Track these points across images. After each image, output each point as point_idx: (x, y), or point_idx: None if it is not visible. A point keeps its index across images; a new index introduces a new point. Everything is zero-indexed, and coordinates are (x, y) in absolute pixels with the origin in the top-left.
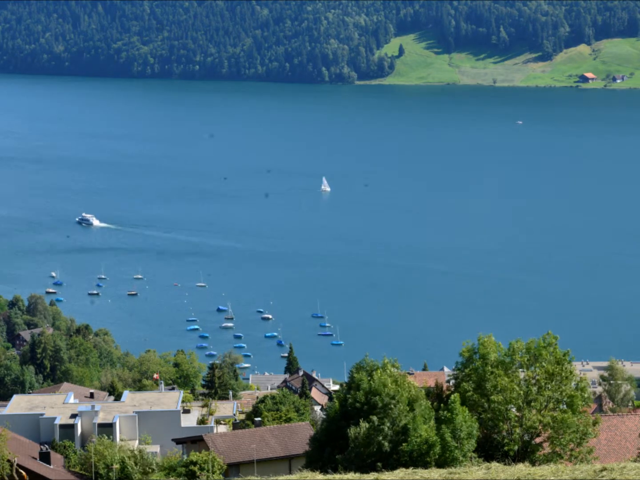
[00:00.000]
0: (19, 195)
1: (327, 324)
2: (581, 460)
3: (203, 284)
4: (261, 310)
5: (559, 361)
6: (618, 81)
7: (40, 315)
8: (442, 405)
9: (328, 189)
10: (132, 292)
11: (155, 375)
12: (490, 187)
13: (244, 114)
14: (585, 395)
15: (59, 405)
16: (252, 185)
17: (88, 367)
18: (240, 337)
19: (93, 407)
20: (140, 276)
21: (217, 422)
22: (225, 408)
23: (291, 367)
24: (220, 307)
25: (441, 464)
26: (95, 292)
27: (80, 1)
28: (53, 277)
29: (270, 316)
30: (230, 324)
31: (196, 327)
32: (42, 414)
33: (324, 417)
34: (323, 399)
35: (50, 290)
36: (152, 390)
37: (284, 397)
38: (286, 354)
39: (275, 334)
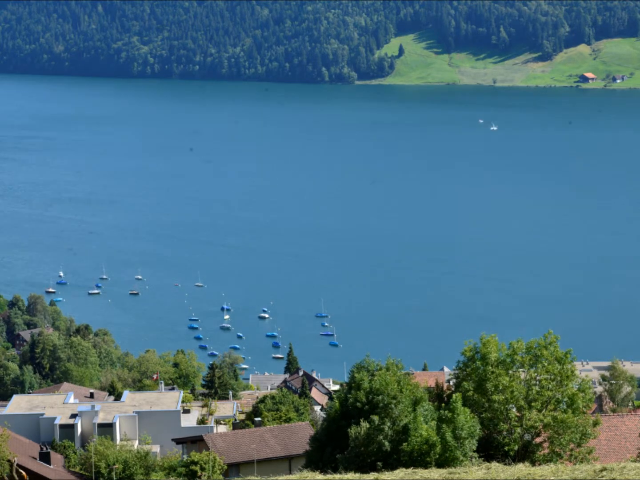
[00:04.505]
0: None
1: (327, 324)
2: (581, 460)
3: (201, 284)
4: (265, 309)
5: (560, 361)
6: (618, 81)
7: (40, 315)
8: (442, 405)
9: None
10: (134, 292)
11: (154, 376)
12: (492, 186)
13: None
14: (588, 398)
15: (59, 405)
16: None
17: (87, 367)
18: (240, 337)
19: (93, 407)
20: (140, 277)
21: (217, 422)
22: (225, 408)
23: (291, 367)
24: (224, 306)
25: (441, 463)
26: (95, 292)
27: (80, 1)
28: (60, 276)
29: (267, 315)
30: (228, 325)
31: (196, 326)
32: (42, 414)
33: (324, 417)
34: (323, 399)
35: (51, 290)
36: (152, 390)
37: (283, 397)
38: (282, 355)
39: (275, 333)
